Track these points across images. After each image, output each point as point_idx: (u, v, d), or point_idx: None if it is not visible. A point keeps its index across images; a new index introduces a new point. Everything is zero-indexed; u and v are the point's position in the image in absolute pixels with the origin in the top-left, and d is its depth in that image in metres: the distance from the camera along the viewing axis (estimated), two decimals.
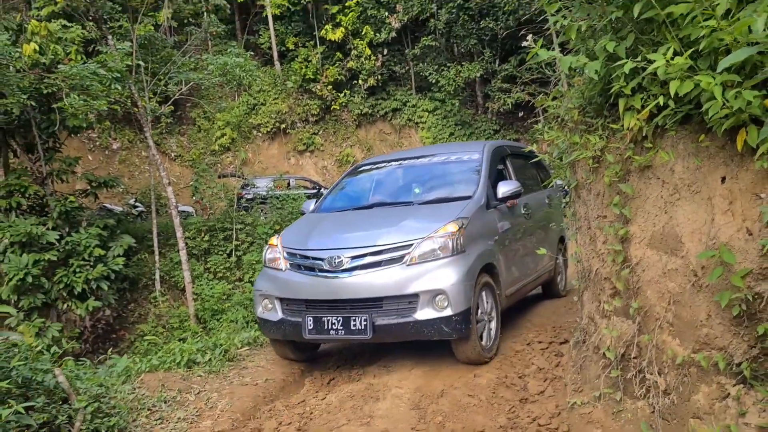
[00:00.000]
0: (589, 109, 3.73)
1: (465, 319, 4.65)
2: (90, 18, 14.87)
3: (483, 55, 24.79)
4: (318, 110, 26.90)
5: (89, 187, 13.55)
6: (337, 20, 26.17)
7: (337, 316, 4.79)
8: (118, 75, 12.86)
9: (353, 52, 26.19)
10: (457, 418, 4.08)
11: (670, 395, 3.18)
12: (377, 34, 25.93)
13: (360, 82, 26.52)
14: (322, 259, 4.98)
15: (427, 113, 26.71)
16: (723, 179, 2.87)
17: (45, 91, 14.43)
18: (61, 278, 10.97)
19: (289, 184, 21.07)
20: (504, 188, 5.66)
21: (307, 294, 5.02)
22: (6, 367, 3.60)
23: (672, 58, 2.76)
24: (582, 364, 4.03)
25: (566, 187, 4.50)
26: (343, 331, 4.75)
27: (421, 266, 4.75)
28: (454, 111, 26.11)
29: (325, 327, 4.81)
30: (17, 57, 13.88)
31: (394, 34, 26.03)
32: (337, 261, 4.88)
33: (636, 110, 3.18)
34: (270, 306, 5.25)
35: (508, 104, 23.38)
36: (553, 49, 3.67)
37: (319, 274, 4.96)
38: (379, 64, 26.55)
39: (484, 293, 5.05)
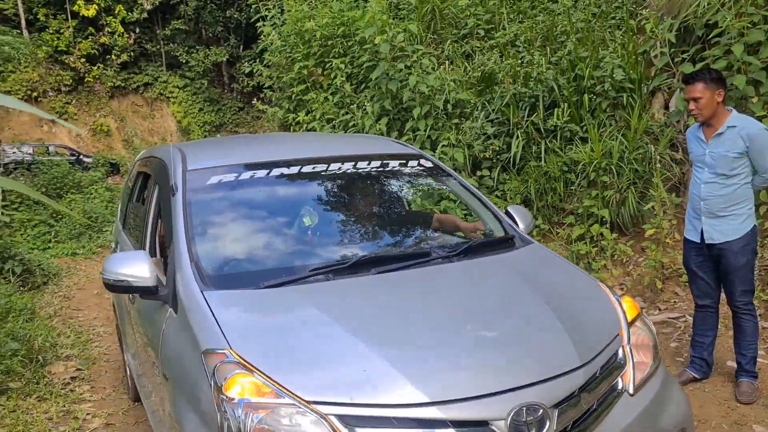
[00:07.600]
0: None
1: None
2: None
3: (229, 40, 28.78)
4: (71, 81, 28.44)
5: None
6: None
7: None
8: None
9: (106, 28, 28.25)
10: None
11: None
12: (129, 13, 28.33)
13: (113, 57, 28.68)
14: (486, 423, 1.93)
15: (177, 89, 29.87)
16: None
17: None
18: None
19: (47, 150, 22.83)
20: (526, 218, 3.42)
21: None
22: None
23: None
24: None
25: None
26: None
27: (645, 394, 2.33)
28: (203, 89, 29.71)
29: None
30: None
31: (146, 14, 28.70)
32: (535, 420, 1.95)
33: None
34: None
35: (251, 86, 27.64)
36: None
37: None
38: (131, 41, 28.98)
39: None
